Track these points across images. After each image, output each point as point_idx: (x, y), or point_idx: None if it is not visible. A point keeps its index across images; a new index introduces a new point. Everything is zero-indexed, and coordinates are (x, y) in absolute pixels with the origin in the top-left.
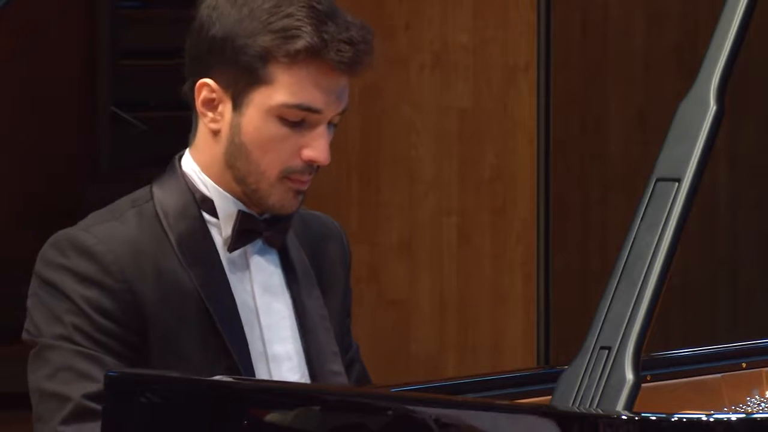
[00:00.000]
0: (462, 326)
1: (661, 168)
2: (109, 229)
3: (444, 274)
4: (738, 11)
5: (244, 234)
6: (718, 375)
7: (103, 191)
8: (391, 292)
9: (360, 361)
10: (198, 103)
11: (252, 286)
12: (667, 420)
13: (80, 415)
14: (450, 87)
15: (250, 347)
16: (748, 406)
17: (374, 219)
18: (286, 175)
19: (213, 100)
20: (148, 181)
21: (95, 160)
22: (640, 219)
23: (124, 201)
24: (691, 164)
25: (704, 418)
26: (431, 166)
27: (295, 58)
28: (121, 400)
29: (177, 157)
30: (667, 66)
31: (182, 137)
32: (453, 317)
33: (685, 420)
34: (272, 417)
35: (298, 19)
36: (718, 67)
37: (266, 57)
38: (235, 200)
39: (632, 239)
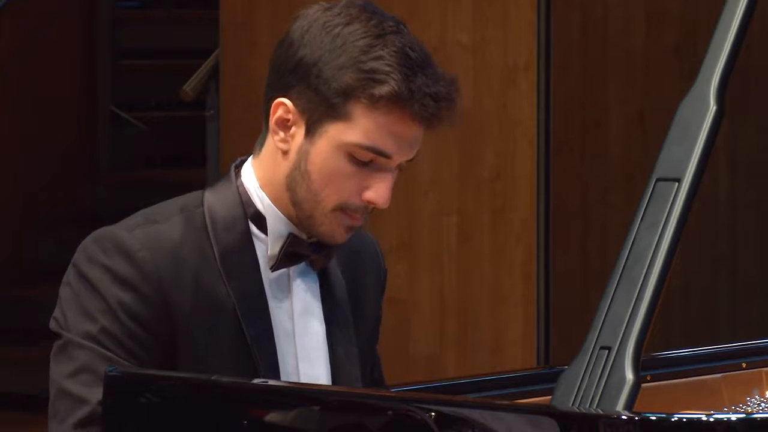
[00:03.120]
0: (462, 326)
1: (661, 168)
2: (153, 234)
3: (444, 274)
4: (738, 11)
5: (289, 256)
6: (718, 375)
7: (103, 191)
8: (391, 291)
9: (382, 379)
10: (272, 120)
11: (291, 307)
12: (667, 420)
13: (95, 420)
14: None
15: (282, 366)
16: (748, 406)
17: (374, 219)
18: (341, 208)
19: (287, 120)
20: (148, 181)
21: (95, 160)
22: (640, 219)
23: (173, 204)
24: (691, 164)
25: (704, 418)
26: (431, 166)
27: (377, 102)
28: (121, 400)
29: (234, 165)
30: (667, 66)
31: (182, 137)
32: (453, 317)
33: (685, 420)
34: (272, 417)
35: (388, 64)
36: (718, 67)
37: (349, 94)
38: (288, 222)
39: (632, 239)
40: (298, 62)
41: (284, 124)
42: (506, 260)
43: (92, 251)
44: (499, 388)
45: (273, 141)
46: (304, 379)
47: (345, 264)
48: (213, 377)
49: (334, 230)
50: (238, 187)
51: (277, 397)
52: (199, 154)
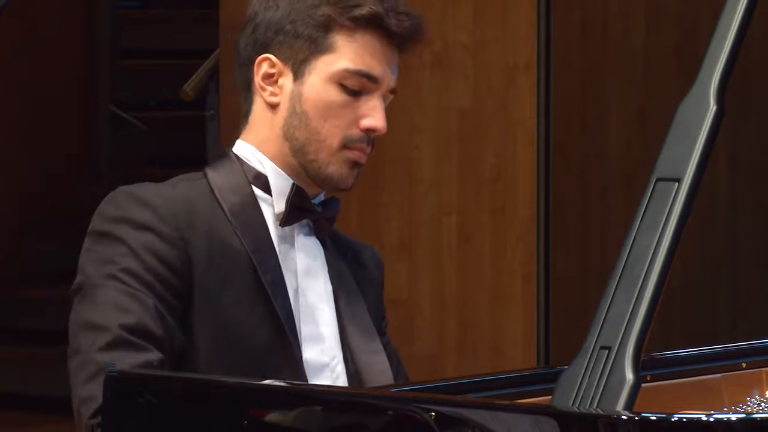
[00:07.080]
0: (462, 326)
1: (661, 168)
2: (164, 190)
3: (444, 274)
4: (738, 11)
5: (296, 210)
6: (718, 375)
7: (103, 191)
8: (391, 292)
9: (396, 355)
10: (258, 78)
11: (296, 266)
12: (667, 420)
13: (117, 344)
14: (450, 87)
15: (296, 320)
16: (748, 406)
17: (374, 219)
18: (345, 145)
19: (272, 74)
20: (148, 181)
21: (95, 160)
22: (640, 219)
23: (176, 177)
24: (691, 164)
25: (704, 418)
26: (431, 166)
27: (357, 24)
28: (121, 400)
29: (228, 148)
30: (667, 66)
31: (182, 137)
32: (453, 317)
33: (685, 420)
34: (272, 417)
35: None
36: (718, 67)
37: (328, 25)
38: (289, 177)
39: (632, 239)
40: (269, 23)
41: (270, 78)
42: (506, 260)
43: (107, 211)
44: (499, 388)
45: (261, 100)
46: (307, 335)
47: (344, 251)
48: (213, 378)
49: (341, 169)
50: (235, 159)
51: (277, 397)
52: (199, 154)
